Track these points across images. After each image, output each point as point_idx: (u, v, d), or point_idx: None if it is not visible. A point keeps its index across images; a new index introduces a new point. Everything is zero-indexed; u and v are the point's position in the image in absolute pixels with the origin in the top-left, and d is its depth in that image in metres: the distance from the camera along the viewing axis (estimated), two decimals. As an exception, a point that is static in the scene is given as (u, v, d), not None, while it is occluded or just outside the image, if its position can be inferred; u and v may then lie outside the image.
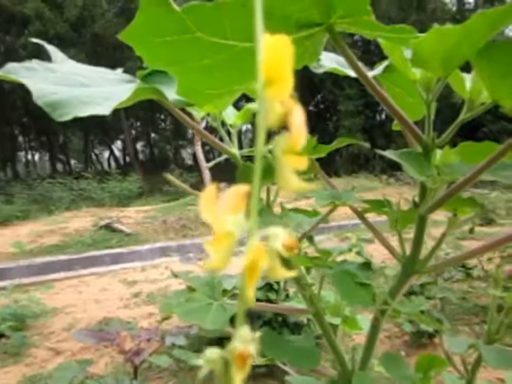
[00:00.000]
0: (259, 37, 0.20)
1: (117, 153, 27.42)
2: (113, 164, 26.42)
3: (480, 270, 3.57)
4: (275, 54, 0.16)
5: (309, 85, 18.16)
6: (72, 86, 0.49)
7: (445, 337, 0.86)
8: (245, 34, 0.41)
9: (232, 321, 0.91)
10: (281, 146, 0.18)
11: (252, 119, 0.80)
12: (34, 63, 0.50)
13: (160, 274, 5.24)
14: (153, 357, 1.63)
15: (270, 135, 0.19)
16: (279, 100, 0.17)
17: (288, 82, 0.17)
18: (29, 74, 0.47)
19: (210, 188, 0.17)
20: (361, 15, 0.46)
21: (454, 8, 21.20)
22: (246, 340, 0.16)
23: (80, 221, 8.76)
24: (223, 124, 0.78)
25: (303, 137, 0.17)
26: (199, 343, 2.67)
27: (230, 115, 0.79)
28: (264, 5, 0.19)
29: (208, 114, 0.76)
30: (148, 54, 0.43)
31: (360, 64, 0.59)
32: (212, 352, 0.17)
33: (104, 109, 0.43)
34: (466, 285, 3.60)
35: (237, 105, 0.80)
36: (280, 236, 0.17)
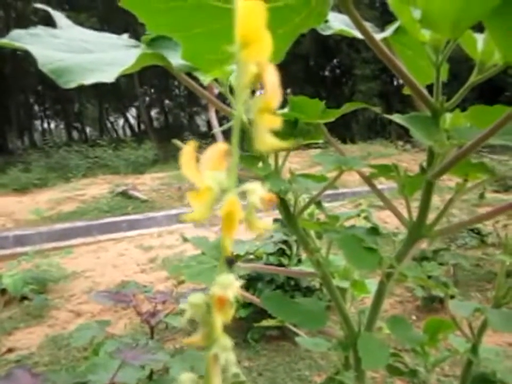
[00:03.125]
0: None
1: (132, 120, 27.44)
2: (128, 131, 26.51)
3: (495, 237, 3.54)
4: (250, 17, 0.17)
5: (324, 49, 17.71)
6: (76, 52, 0.50)
7: (451, 301, 0.88)
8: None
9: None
10: (257, 106, 0.18)
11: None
12: (39, 29, 0.50)
13: (176, 240, 5.34)
14: (168, 318, 1.68)
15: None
16: (255, 61, 0.17)
17: (263, 44, 0.17)
18: (33, 41, 0.48)
19: (189, 146, 0.18)
20: (367, -26, 0.45)
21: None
22: (225, 286, 0.18)
23: (97, 188, 8.90)
24: (231, 89, 0.77)
25: (277, 97, 0.18)
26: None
27: (238, 80, 0.79)
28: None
29: (216, 80, 0.75)
30: (151, 20, 0.43)
31: (368, 25, 0.58)
32: (195, 297, 0.19)
33: (109, 76, 0.44)
34: (480, 251, 3.59)
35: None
36: (257, 191, 0.18)
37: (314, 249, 0.77)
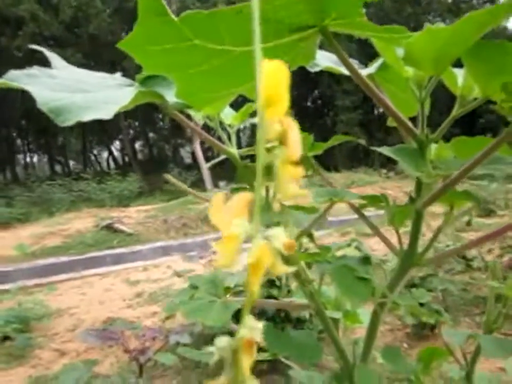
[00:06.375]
0: (257, 48, 0.21)
1: (116, 153, 27.43)
2: (112, 164, 26.45)
3: (480, 261, 3.58)
4: (273, 79, 0.18)
5: (306, 81, 18.16)
6: (73, 91, 0.50)
7: (444, 329, 0.88)
8: (240, 39, 0.42)
9: (234, 317, 0.93)
10: (280, 158, 0.19)
11: (250, 117, 0.81)
12: (35, 70, 0.51)
13: (163, 274, 5.26)
14: (158, 355, 1.64)
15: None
16: (276, 118, 0.19)
17: (285, 103, 0.18)
18: (30, 81, 0.48)
19: (218, 195, 0.19)
20: (354, 17, 0.47)
21: (450, 0, 21.06)
22: (252, 328, 0.18)
23: (81, 222, 8.78)
24: (221, 123, 0.79)
25: (299, 150, 0.19)
26: (203, 341, 2.69)
27: (228, 115, 0.80)
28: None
29: (206, 115, 0.77)
30: (147, 61, 0.44)
31: (353, 62, 0.60)
32: (221, 340, 0.19)
33: (106, 113, 0.45)
34: (467, 276, 3.62)
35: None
36: (281, 237, 0.19)
37: (307, 281, 0.78)
